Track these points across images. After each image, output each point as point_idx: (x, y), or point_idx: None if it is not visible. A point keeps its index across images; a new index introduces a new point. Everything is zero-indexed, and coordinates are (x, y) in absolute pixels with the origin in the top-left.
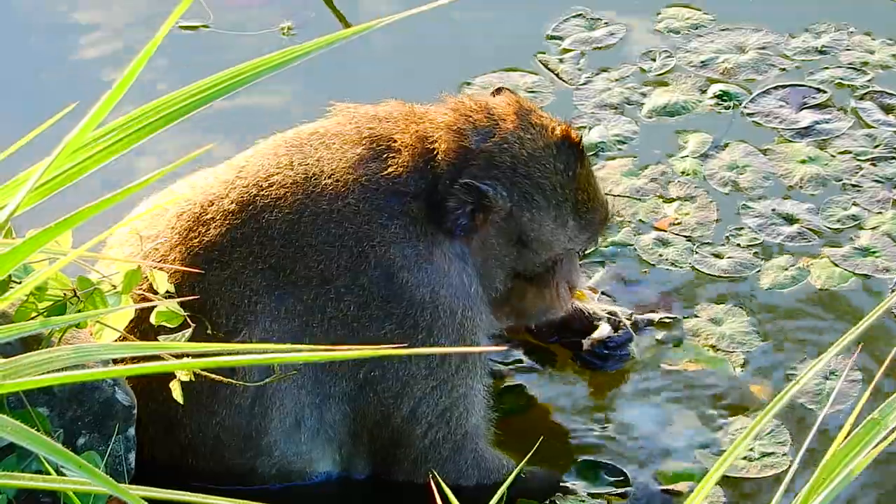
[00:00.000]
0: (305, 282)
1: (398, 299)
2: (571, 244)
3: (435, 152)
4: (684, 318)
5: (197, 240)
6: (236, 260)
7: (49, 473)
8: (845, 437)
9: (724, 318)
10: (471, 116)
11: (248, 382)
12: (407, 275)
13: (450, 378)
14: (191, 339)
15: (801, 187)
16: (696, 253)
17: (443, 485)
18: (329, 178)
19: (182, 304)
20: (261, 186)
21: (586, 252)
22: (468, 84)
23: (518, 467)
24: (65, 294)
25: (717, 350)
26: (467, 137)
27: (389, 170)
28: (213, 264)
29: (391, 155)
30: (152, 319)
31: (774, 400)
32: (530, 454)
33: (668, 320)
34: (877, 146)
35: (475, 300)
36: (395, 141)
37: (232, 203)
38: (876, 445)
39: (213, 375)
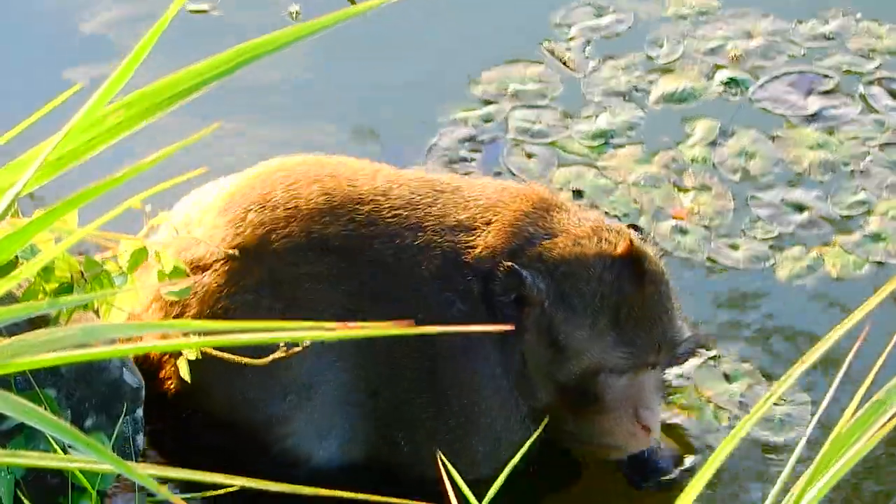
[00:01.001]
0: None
1: (440, 389)
2: (604, 355)
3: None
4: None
5: (319, 225)
6: (327, 265)
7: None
8: (849, 420)
9: (738, 377)
10: (563, 219)
11: (252, 360)
12: (454, 368)
13: (472, 467)
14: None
15: (810, 173)
16: (713, 243)
17: (454, 473)
18: (431, 233)
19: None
20: (391, 209)
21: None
22: (476, 82)
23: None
24: (72, 275)
25: (710, 402)
26: (538, 231)
27: (472, 241)
28: (307, 254)
29: (484, 228)
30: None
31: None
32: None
33: (712, 361)
34: (885, 131)
35: (515, 408)
36: (497, 216)
37: (358, 204)
38: (881, 427)
39: (222, 354)
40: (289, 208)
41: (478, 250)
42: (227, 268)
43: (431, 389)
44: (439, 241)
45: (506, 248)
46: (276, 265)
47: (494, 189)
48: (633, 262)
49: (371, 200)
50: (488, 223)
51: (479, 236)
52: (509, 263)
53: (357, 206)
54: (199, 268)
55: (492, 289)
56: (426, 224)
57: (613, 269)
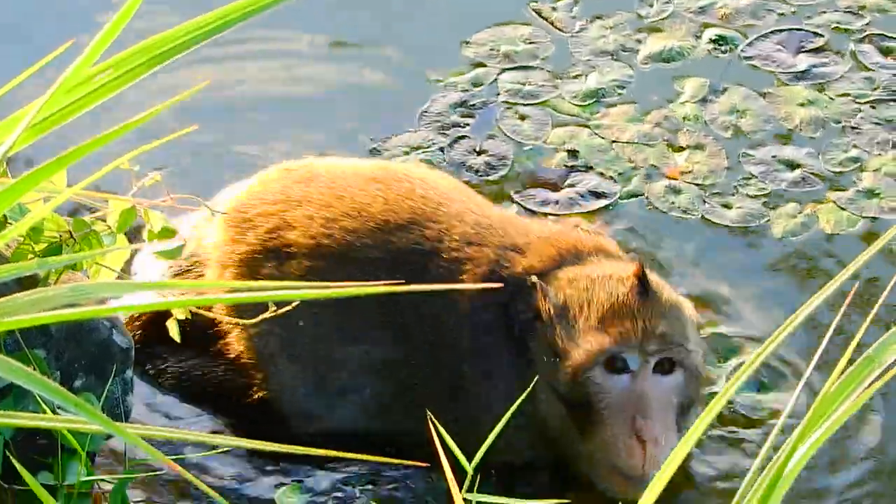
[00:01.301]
0: (409, 331)
1: (464, 401)
2: (587, 344)
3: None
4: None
5: (395, 238)
6: (373, 267)
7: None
8: (839, 377)
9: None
10: (603, 258)
11: (242, 321)
12: (478, 380)
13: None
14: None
15: (800, 130)
16: (707, 203)
17: (445, 435)
18: (487, 248)
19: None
20: (460, 231)
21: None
22: (467, 43)
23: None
24: (60, 235)
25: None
26: (573, 259)
27: (514, 259)
28: (377, 267)
29: (530, 252)
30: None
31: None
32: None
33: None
34: (875, 88)
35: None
36: (551, 244)
37: (433, 222)
38: (870, 384)
39: (211, 314)
40: (379, 221)
41: (517, 268)
42: (312, 264)
43: (456, 410)
44: (489, 252)
45: (538, 270)
46: (355, 274)
47: (564, 228)
48: (640, 281)
49: (444, 222)
50: (534, 249)
51: (521, 256)
52: (534, 279)
53: (430, 224)
54: (288, 253)
55: (514, 305)
56: (484, 244)
57: (617, 283)
